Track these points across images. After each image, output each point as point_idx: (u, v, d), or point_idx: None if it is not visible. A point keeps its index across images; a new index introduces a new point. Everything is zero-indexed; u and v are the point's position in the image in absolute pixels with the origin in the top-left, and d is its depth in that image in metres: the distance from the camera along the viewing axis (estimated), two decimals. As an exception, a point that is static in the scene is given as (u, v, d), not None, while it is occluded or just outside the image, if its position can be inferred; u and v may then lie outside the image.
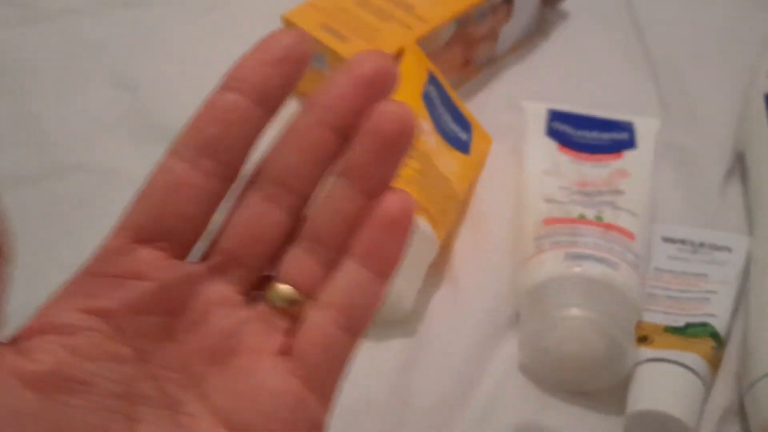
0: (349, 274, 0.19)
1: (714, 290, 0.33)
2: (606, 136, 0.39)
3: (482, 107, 0.43)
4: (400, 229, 0.19)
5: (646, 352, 0.30)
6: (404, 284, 0.32)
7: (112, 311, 0.18)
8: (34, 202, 0.38)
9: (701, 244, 0.35)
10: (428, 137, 0.35)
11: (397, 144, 0.19)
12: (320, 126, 0.19)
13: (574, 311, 0.29)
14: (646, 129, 0.39)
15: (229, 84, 0.19)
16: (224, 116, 0.19)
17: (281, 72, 0.19)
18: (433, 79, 0.37)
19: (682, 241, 0.35)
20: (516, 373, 0.32)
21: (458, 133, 0.38)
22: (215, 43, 0.46)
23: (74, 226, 0.37)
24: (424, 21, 0.39)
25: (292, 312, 0.19)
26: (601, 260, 0.31)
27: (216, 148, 0.19)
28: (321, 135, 0.19)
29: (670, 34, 0.46)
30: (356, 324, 0.19)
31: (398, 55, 0.37)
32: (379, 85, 0.19)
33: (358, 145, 0.19)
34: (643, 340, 0.31)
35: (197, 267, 0.19)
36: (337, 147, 0.19)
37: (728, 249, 0.35)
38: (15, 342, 0.18)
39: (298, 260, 0.19)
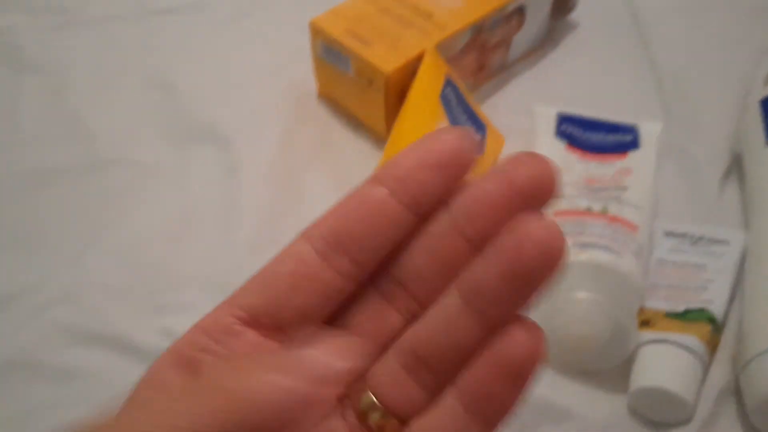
0: (449, 417, 0.16)
1: (712, 279, 0.35)
2: (611, 137, 0.42)
3: (494, 110, 0.46)
4: (521, 377, 0.15)
5: (648, 334, 0.33)
6: None
7: None
8: (76, 194, 0.41)
9: (700, 238, 0.37)
10: None
11: (538, 273, 0.15)
12: (455, 234, 0.17)
13: (581, 294, 0.32)
14: (649, 131, 0.42)
15: (382, 179, 0.17)
16: (370, 215, 0.17)
17: (440, 178, 0.17)
18: (450, 82, 0.40)
19: (683, 235, 0.38)
20: (526, 354, 0.34)
21: (474, 133, 0.40)
22: (246, 48, 0.49)
23: (114, 216, 0.40)
24: (442, 28, 0.41)
25: (381, 427, 0.17)
26: (606, 248, 0.33)
27: (354, 245, 0.17)
28: (454, 244, 0.17)
29: (673, 43, 0.49)
30: None
31: (420, 60, 0.40)
32: (535, 198, 0.16)
33: (491, 265, 0.16)
34: (645, 323, 0.33)
35: None
36: (470, 257, 0.17)
37: (726, 242, 0.37)
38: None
39: (397, 378, 0.17)
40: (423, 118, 0.37)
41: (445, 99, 0.39)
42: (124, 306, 0.36)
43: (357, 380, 0.18)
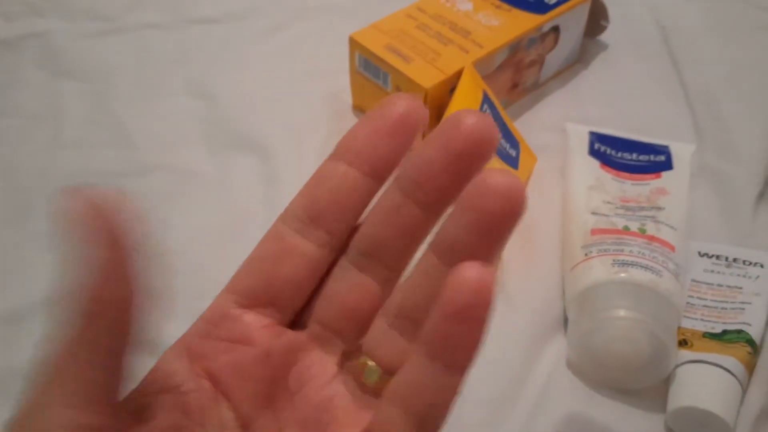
0: (417, 367, 0.17)
1: (748, 301, 0.35)
2: (644, 158, 0.42)
3: (526, 127, 0.46)
4: (472, 319, 0.15)
5: (687, 354, 0.33)
6: None
7: (222, 374, 0.19)
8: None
9: (735, 260, 0.38)
10: None
11: (504, 222, 0.16)
12: (408, 203, 0.18)
13: (622, 312, 0.32)
14: (681, 152, 0.42)
15: (340, 154, 0.19)
16: (334, 187, 0.19)
17: (393, 142, 0.18)
18: (487, 98, 0.41)
19: (717, 257, 0.38)
20: (564, 371, 0.34)
21: (508, 149, 0.41)
22: (284, 59, 0.50)
23: (155, 219, 0.40)
24: (480, 46, 0.42)
25: (378, 388, 0.19)
26: (646, 267, 0.33)
27: (325, 218, 0.19)
28: (410, 212, 0.18)
29: (705, 65, 0.50)
30: (427, 423, 0.17)
31: (458, 77, 0.40)
32: (474, 155, 0.17)
33: (459, 221, 0.17)
34: (683, 343, 0.34)
35: (299, 336, 0.19)
36: (428, 222, 0.18)
37: (760, 264, 0.37)
38: (133, 399, 0.18)
39: (386, 336, 0.19)
40: None
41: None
42: (161, 312, 0.37)
43: (353, 348, 0.19)
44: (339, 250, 0.19)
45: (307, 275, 0.19)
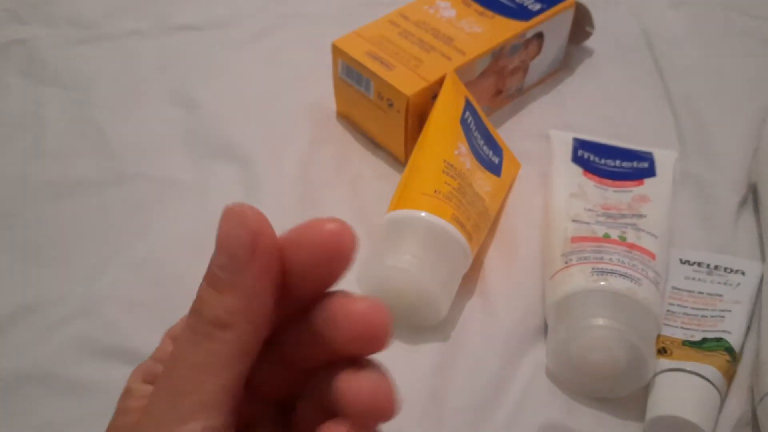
0: None
1: (728, 309, 0.35)
2: (627, 164, 0.42)
3: (510, 134, 0.46)
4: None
5: (666, 362, 0.33)
6: (440, 292, 0.34)
7: None
8: (97, 207, 0.41)
9: (716, 267, 0.38)
10: (465, 159, 0.38)
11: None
12: None
13: (600, 321, 0.32)
14: (664, 159, 0.42)
15: None
16: None
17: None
18: (469, 106, 0.40)
19: (698, 264, 0.38)
20: (543, 379, 0.34)
21: (491, 156, 0.41)
22: (267, 66, 0.50)
23: (134, 231, 0.40)
24: (462, 53, 0.42)
25: None
26: (625, 275, 0.33)
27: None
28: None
29: (688, 72, 0.50)
30: None
31: (440, 84, 0.40)
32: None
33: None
34: (662, 351, 0.33)
35: None
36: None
37: (741, 272, 0.37)
38: None
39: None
40: (443, 142, 0.38)
41: (464, 123, 0.39)
42: (142, 320, 0.36)
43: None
44: None
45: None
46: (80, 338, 0.35)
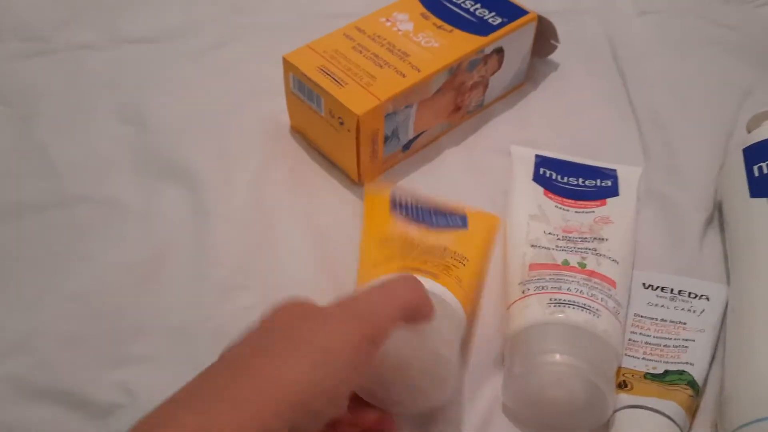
0: None
1: (692, 338, 0.34)
2: (591, 182, 0.41)
3: (472, 151, 0.45)
4: None
5: (626, 398, 0.31)
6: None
7: None
8: (38, 232, 0.39)
9: (680, 292, 0.36)
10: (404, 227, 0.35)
11: None
12: None
13: (557, 357, 0.30)
14: (629, 176, 0.41)
15: None
16: None
17: None
18: (397, 204, 0.37)
19: (662, 288, 0.37)
20: (499, 414, 0.33)
21: (445, 229, 0.36)
22: (221, 79, 0.48)
23: (76, 257, 0.38)
24: (417, 70, 0.40)
25: None
26: (583, 307, 0.32)
27: None
28: None
29: (654, 86, 0.48)
30: None
31: (392, 102, 0.38)
32: None
33: None
34: (622, 386, 0.32)
35: None
36: None
37: (706, 297, 0.36)
38: None
39: None
40: (377, 259, 0.34)
41: (397, 220, 0.36)
42: (79, 357, 0.34)
43: None
44: None
45: None
46: (10, 377, 0.33)
